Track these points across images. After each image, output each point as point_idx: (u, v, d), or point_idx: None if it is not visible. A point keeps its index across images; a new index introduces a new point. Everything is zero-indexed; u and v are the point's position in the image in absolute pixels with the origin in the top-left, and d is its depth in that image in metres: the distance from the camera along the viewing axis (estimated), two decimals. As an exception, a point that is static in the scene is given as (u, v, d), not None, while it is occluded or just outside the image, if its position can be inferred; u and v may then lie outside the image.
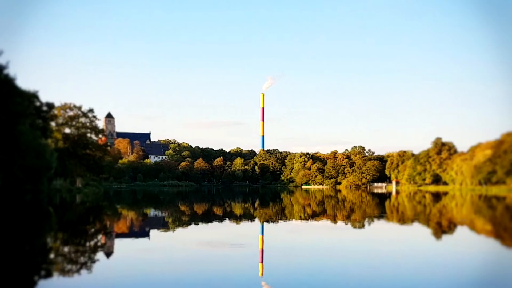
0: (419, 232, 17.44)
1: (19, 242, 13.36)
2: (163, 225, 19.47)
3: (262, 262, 10.09)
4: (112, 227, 18.22)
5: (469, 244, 13.80)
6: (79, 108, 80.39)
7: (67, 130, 79.78)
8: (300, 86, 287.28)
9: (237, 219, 22.50)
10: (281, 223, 20.85)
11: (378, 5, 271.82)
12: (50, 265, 9.27)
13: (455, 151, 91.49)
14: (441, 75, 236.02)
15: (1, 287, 7.40)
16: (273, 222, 21.26)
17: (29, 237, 14.69)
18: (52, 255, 10.72)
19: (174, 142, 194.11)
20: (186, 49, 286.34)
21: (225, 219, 22.58)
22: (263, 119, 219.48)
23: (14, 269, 9.07)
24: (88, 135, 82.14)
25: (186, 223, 20.24)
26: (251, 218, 23.79)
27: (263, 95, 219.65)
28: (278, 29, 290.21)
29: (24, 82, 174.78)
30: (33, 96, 63.58)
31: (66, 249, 11.79)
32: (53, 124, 76.34)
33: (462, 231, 17.61)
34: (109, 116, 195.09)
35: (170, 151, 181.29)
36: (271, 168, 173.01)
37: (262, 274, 8.74)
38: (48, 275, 8.28)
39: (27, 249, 12.09)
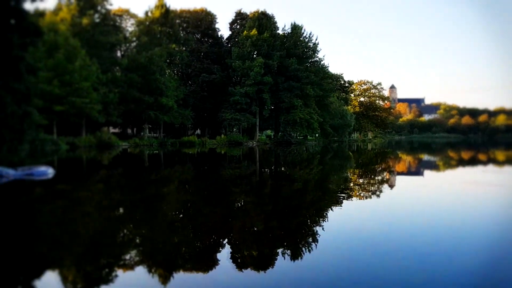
0: None
1: (330, 175, 14.35)
2: (434, 167, 17.74)
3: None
4: (394, 167, 17.66)
5: None
6: (371, 82, 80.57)
7: (361, 99, 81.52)
8: None
9: (500, 164, 18.61)
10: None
11: None
12: (350, 191, 9.54)
13: None
14: None
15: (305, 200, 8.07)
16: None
17: (336, 171, 15.67)
18: (351, 184, 11.11)
19: (444, 104, 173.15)
20: (454, 30, 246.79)
21: (489, 163, 18.99)
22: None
23: (325, 189, 9.76)
24: (377, 101, 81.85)
25: (453, 166, 17.93)
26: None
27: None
28: None
29: (333, 67, 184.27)
30: (339, 77, 66.98)
31: (360, 180, 12.05)
32: (352, 95, 79.58)
33: None
34: (392, 87, 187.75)
35: (441, 110, 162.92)
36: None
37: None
38: (349, 197, 8.51)
39: (335, 178, 12.86)
